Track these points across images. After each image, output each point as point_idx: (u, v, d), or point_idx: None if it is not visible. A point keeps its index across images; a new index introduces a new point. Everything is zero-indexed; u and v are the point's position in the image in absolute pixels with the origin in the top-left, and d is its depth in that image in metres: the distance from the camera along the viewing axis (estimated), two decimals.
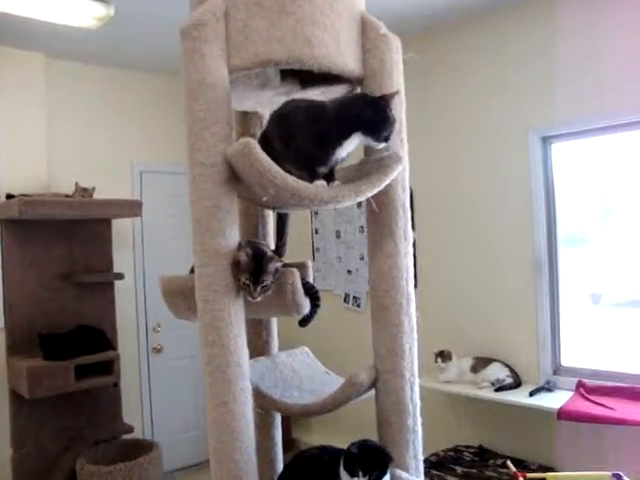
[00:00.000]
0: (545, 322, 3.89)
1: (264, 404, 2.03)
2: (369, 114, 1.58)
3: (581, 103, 3.59)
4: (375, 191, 1.68)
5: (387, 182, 1.71)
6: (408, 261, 1.88)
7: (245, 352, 1.66)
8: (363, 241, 4.89)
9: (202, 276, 1.63)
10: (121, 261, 4.74)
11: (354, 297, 5.02)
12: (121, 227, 4.75)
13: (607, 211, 4.04)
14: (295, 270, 1.71)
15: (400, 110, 1.87)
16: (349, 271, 5.05)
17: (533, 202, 3.88)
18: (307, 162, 1.65)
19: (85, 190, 4.22)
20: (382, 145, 1.64)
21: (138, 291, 4.97)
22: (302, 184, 1.56)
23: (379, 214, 1.84)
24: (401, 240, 1.86)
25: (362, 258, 4.80)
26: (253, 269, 1.61)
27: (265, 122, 2.14)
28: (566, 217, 3.91)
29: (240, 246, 1.67)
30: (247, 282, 1.61)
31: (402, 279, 1.86)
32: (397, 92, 1.64)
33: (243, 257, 1.61)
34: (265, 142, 1.75)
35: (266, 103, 2.07)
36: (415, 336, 1.88)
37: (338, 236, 5.08)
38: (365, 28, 1.86)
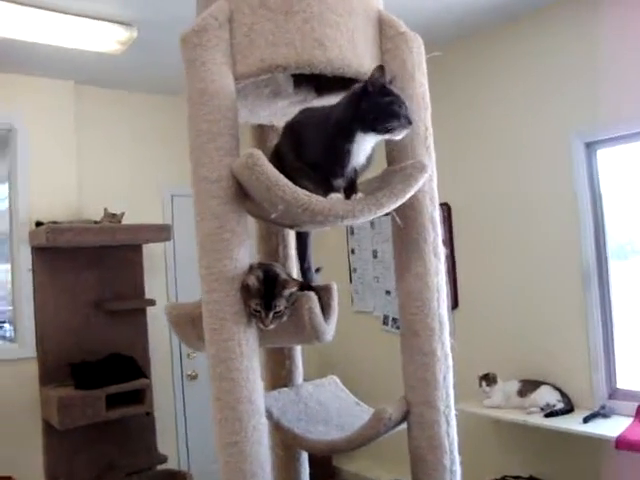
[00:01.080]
0: (597, 340, 3.60)
1: (286, 440, 1.86)
2: (362, 107, 1.39)
3: (626, 106, 3.34)
4: (398, 204, 1.51)
5: (411, 193, 1.53)
6: (439, 280, 1.70)
7: (259, 386, 1.50)
8: None
9: (209, 302, 1.49)
10: (153, 286, 4.66)
11: (393, 319, 4.81)
12: (152, 252, 4.69)
13: None
14: (312, 294, 1.55)
15: (425, 115, 1.70)
16: (388, 292, 4.86)
17: (579, 212, 3.63)
18: (320, 174, 1.50)
19: (114, 216, 4.18)
20: (402, 135, 1.46)
21: None
22: (314, 198, 1.40)
23: (405, 230, 1.66)
24: (430, 258, 1.68)
25: None
26: (264, 294, 1.46)
27: None
28: (616, 227, 3.64)
29: (251, 268, 1.52)
30: (258, 308, 1.46)
31: (433, 301, 1.68)
32: (381, 67, 1.42)
33: (253, 281, 1.46)
34: (278, 156, 1.61)
35: (281, 114, 1.93)
36: (450, 364, 1.69)
37: (375, 256, 4.90)
38: (383, 27, 1.71)
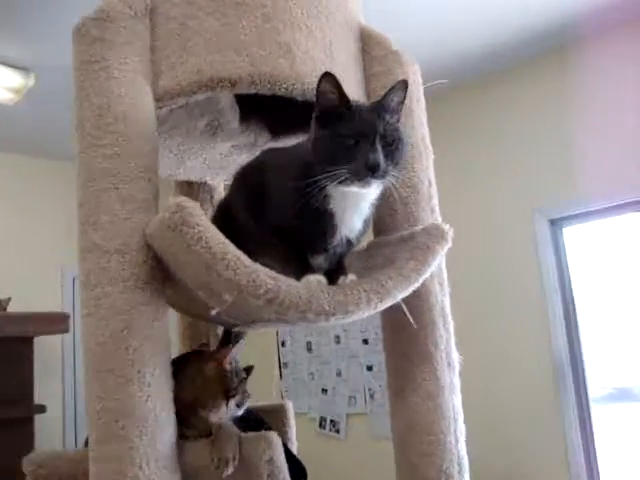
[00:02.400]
0: (576, 444, 3.12)
1: None
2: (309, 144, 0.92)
3: (595, 181, 3.05)
4: (409, 290, 0.97)
5: (427, 273, 1.00)
6: (456, 403, 1.15)
7: None
8: (340, 354, 4.15)
9: (102, 460, 0.86)
10: (46, 389, 3.80)
11: (331, 421, 4.18)
12: (46, 346, 3.86)
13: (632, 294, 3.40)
14: (274, 436, 0.96)
15: (427, 163, 1.21)
16: (324, 390, 4.24)
17: (547, 294, 3.24)
18: (291, 247, 0.95)
19: None
20: (367, 188, 0.90)
21: (67, 425, 4.01)
22: (283, 283, 0.84)
23: (407, 330, 1.12)
24: (443, 370, 1.13)
25: (339, 374, 4.03)
26: None
27: (218, 195, 1.45)
28: (588, 308, 3.27)
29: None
30: None
31: (450, 434, 1.12)
32: (330, 76, 0.89)
33: None
34: (225, 218, 1.05)
35: (219, 165, 1.38)
36: None
37: (310, 349, 4.32)
38: (367, 44, 1.24)
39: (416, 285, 0.99)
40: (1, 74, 2.81)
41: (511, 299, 3.46)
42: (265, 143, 1.31)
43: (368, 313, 0.93)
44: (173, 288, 0.96)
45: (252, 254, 0.93)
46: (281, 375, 4.59)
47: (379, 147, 0.86)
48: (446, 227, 1.04)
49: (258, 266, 0.84)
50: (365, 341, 4.06)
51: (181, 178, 1.44)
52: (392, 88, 0.92)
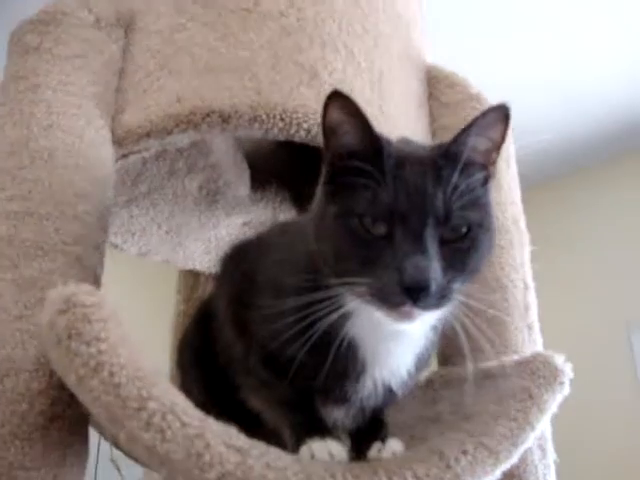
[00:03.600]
0: None
1: None
2: (337, 239, 0.49)
3: None
4: (495, 475, 0.54)
5: (528, 442, 0.57)
6: None
7: None
8: None
9: None
10: None
11: None
12: None
13: None
14: None
15: (522, 256, 0.80)
16: None
17: None
18: (292, 388, 0.54)
19: None
20: (406, 323, 0.47)
21: None
22: (261, 457, 0.44)
23: None
24: None
25: None
26: None
27: None
28: None
29: None
30: None
31: None
32: (340, 95, 0.49)
33: None
34: (201, 330, 0.68)
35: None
36: None
37: None
38: (436, 86, 0.88)
39: (509, 464, 0.55)
40: None
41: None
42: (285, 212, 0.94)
43: None
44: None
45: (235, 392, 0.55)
46: None
47: (432, 243, 0.45)
48: (559, 360, 0.61)
49: (212, 425, 0.44)
50: None
51: (182, 266, 1.08)
52: (475, 120, 0.49)
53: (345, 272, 0.46)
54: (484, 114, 0.50)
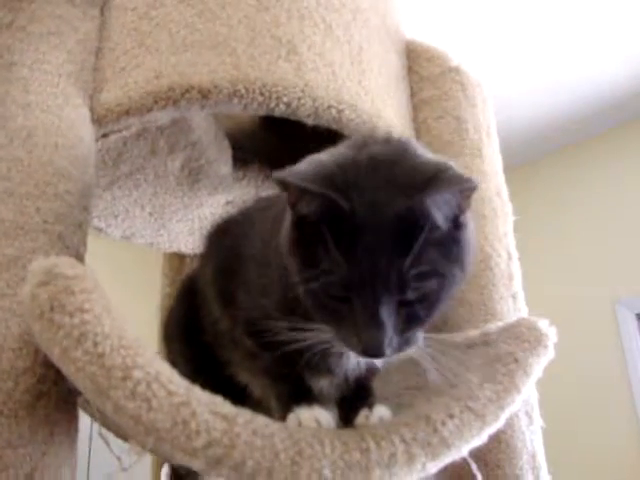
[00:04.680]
0: None
1: None
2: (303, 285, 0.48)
3: None
4: (482, 437, 0.55)
5: (514, 406, 0.57)
6: None
7: None
8: None
9: None
10: None
11: None
12: None
13: None
14: None
15: (504, 229, 0.81)
16: None
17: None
18: (278, 357, 0.53)
19: None
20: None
21: None
22: (248, 426, 0.45)
23: None
24: None
25: None
26: None
27: None
28: None
29: None
30: None
31: None
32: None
33: None
34: (186, 306, 0.68)
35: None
36: None
37: None
38: (416, 60, 0.88)
39: (495, 427, 0.56)
40: None
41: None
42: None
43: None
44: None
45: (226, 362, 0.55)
46: None
47: (388, 314, 0.45)
48: (544, 325, 0.62)
49: (198, 394, 0.44)
50: None
51: (167, 248, 1.08)
52: (439, 189, 0.45)
53: (312, 314, 0.48)
54: (448, 186, 0.46)
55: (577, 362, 2.91)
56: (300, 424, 0.49)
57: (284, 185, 0.46)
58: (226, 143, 0.84)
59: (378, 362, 0.55)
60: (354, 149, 0.50)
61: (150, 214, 0.96)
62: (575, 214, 3.10)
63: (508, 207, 0.81)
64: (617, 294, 2.83)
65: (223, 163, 0.84)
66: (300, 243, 0.48)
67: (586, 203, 3.08)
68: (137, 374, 0.42)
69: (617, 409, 2.84)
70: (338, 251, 0.44)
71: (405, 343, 0.48)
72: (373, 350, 0.45)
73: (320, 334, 0.48)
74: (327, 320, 0.48)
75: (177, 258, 1.12)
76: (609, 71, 2.38)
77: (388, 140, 0.52)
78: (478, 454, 0.61)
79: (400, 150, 0.50)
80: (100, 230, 0.93)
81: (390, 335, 0.45)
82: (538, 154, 3.11)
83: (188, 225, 1.01)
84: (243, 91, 0.66)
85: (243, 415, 0.46)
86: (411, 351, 0.50)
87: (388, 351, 0.45)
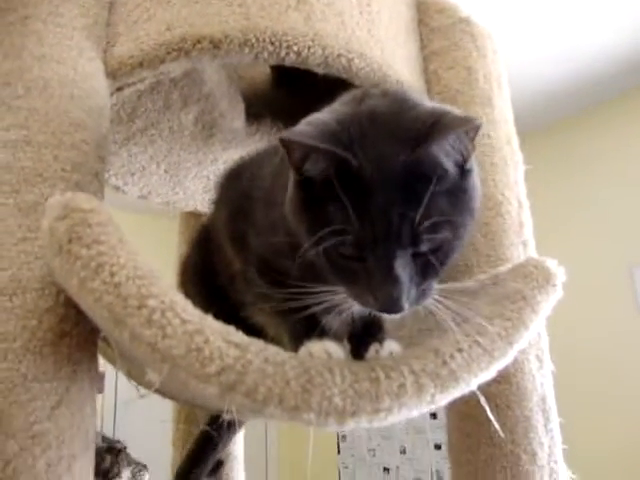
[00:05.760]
0: None
1: None
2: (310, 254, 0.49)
3: None
4: (491, 372, 0.56)
5: (522, 342, 0.58)
6: None
7: None
8: (404, 428, 3.59)
9: None
10: None
11: None
12: None
13: None
14: None
15: (515, 177, 0.81)
16: (386, 469, 3.71)
17: None
18: (290, 294, 0.55)
19: None
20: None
21: None
22: (260, 354, 0.47)
23: (488, 435, 0.69)
24: None
25: (403, 452, 3.49)
26: None
27: None
28: None
29: None
30: None
31: None
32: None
33: None
34: (203, 249, 0.70)
35: None
36: None
37: None
38: (426, 12, 0.87)
39: (504, 363, 0.57)
40: None
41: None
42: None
43: (418, 411, 0.53)
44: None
45: (240, 304, 0.57)
46: (339, 450, 4.12)
47: (403, 267, 0.46)
48: (552, 264, 0.63)
49: (211, 323, 0.46)
50: (434, 415, 3.46)
51: (183, 207, 1.10)
52: (444, 135, 0.45)
53: (322, 279, 0.49)
54: (452, 129, 0.46)
55: (593, 325, 2.91)
56: (311, 356, 0.51)
57: (289, 146, 0.46)
58: (239, 97, 0.85)
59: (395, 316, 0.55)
60: (352, 105, 0.51)
61: (166, 171, 0.98)
62: (594, 178, 3.06)
63: (518, 156, 0.81)
64: (635, 259, 2.81)
65: (236, 117, 0.86)
66: (307, 205, 0.48)
67: (605, 167, 3.04)
68: (152, 303, 0.44)
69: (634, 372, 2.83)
70: (348, 209, 0.45)
71: (422, 295, 0.49)
72: (391, 306, 0.46)
73: (334, 295, 0.50)
74: (340, 280, 0.49)
75: (193, 217, 1.14)
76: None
77: (385, 93, 0.52)
78: (489, 395, 0.63)
79: (399, 101, 0.50)
80: (118, 188, 0.95)
81: (407, 289, 0.46)
82: (553, 119, 3.08)
83: (203, 182, 1.03)
84: (254, 40, 0.67)
85: (255, 344, 0.47)
86: (427, 303, 0.51)
87: (406, 305, 0.46)
